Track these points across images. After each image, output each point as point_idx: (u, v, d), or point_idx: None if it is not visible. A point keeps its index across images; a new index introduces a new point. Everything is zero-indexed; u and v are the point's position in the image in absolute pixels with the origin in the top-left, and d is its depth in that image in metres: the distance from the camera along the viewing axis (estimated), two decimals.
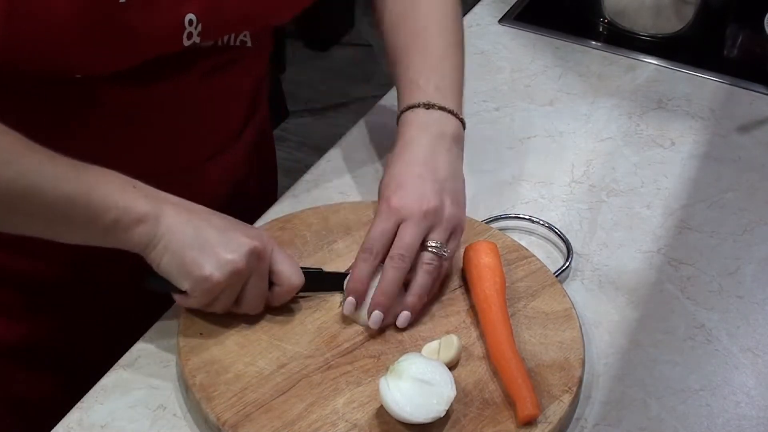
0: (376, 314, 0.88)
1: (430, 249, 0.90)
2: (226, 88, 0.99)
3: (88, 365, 0.92)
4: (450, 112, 0.99)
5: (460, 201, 0.96)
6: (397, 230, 0.90)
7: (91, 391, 0.87)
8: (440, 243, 0.91)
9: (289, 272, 0.88)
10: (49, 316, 1.03)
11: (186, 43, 0.89)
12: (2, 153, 0.78)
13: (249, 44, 0.97)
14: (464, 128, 1.00)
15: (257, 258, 0.85)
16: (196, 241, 0.83)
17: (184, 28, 0.88)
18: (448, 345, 0.87)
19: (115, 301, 1.04)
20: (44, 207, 0.80)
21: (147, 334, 0.92)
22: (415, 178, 0.93)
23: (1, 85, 0.84)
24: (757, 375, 0.92)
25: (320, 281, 0.93)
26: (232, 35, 0.95)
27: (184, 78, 0.93)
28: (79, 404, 0.86)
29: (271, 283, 0.88)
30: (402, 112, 0.99)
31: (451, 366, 0.87)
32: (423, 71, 1.00)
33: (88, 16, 0.81)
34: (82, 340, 1.05)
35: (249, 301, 0.87)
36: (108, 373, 0.88)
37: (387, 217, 0.91)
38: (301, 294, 0.91)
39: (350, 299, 0.89)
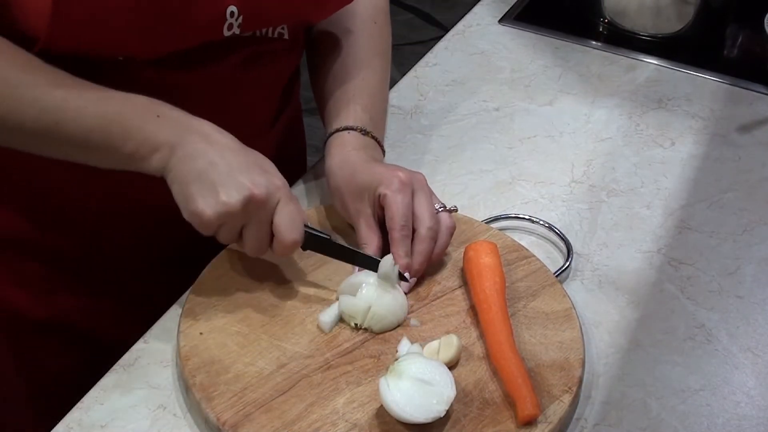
0: (413, 281, 0.94)
1: (442, 210, 0.95)
2: (261, 78, 1.01)
3: (109, 342, 0.94)
4: (379, 143, 1.03)
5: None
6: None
7: (91, 391, 0.87)
8: (441, 204, 0.96)
9: (286, 227, 0.86)
10: (70, 292, 1.05)
11: (226, 33, 0.92)
12: (28, 90, 0.83)
13: (286, 36, 1.00)
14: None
15: (255, 205, 0.84)
16: (201, 177, 0.83)
17: (226, 19, 0.91)
18: (448, 345, 0.87)
19: (137, 279, 1.06)
20: (68, 139, 0.85)
21: (147, 334, 0.92)
22: (382, 163, 0.99)
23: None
24: (757, 375, 0.92)
25: (327, 247, 0.93)
26: (270, 28, 0.98)
27: (221, 66, 0.95)
28: (79, 404, 0.86)
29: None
30: (337, 130, 1.01)
31: (451, 366, 0.87)
32: (360, 101, 1.04)
33: (134, 1, 0.84)
34: (103, 316, 1.07)
35: (248, 243, 0.87)
36: (108, 373, 0.88)
37: (404, 190, 0.93)
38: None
39: (411, 279, 0.93)
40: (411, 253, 0.93)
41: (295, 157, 1.23)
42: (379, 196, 0.93)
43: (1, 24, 0.84)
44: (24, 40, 0.84)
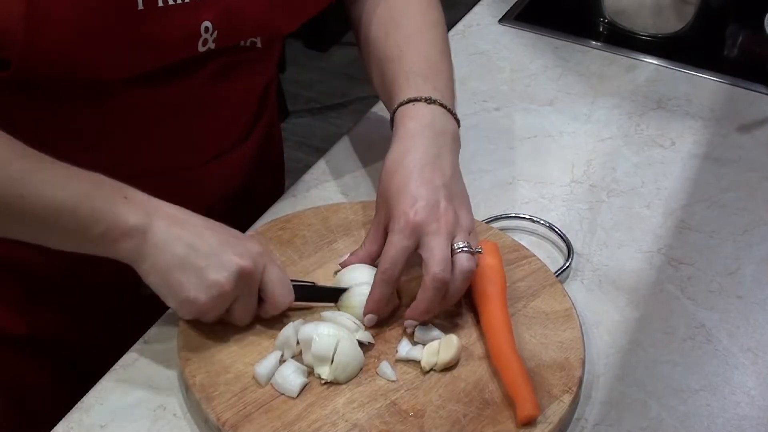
0: (410, 323, 0.88)
1: (464, 250, 0.88)
2: (234, 89, 1.00)
3: (89, 358, 0.92)
4: (449, 110, 0.97)
5: (466, 202, 0.94)
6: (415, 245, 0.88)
7: (91, 391, 0.87)
8: (467, 242, 0.88)
9: (279, 292, 0.87)
10: (50, 307, 1.04)
11: (201, 49, 0.90)
12: None
13: (259, 45, 0.98)
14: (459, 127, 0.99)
15: (245, 279, 0.84)
16: (183, 262, 0.81)
17: (200, 35, 0.89)
18: (448, 345, 0.87)
19: (117, 295, 1.03)
20: (32, 215, 0.81)
21: (147, 334, 0.92)
22: (425, 184, 0.90)
23: (13, 83, 0.84)
24: (757, 375, 0.92)
25: (313, 295, 0.92)
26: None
27: (194, 78, 0.94)
28: (79, 404, 0.86)
29: (262, 297, 0.88)
30: (401, 104, 0.96)
31: (451, 366, 0.87)
32: (421, 70, 0.98)
33: (106, 22, 0.82)
34: (83, 332, 1.05)
35: (237, 315, 0.87)
36: (108, 373, 0.88)
37: (407, 235, 0.87)
38: (296, 305, 0.90)
39: (371, 316, 0.89)
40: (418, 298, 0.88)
41: (272, 169, 1.22)
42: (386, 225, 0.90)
43: None
44: None
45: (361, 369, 0.86)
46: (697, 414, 0.88)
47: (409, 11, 1.04)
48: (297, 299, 0.90)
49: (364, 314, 0.89)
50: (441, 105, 0.96)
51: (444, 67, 1.01)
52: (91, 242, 0.82)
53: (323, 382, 0.85)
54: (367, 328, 0.89)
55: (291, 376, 0.84)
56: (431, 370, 0.87)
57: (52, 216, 0.81)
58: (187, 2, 0.87)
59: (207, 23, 0.89)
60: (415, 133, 0.93)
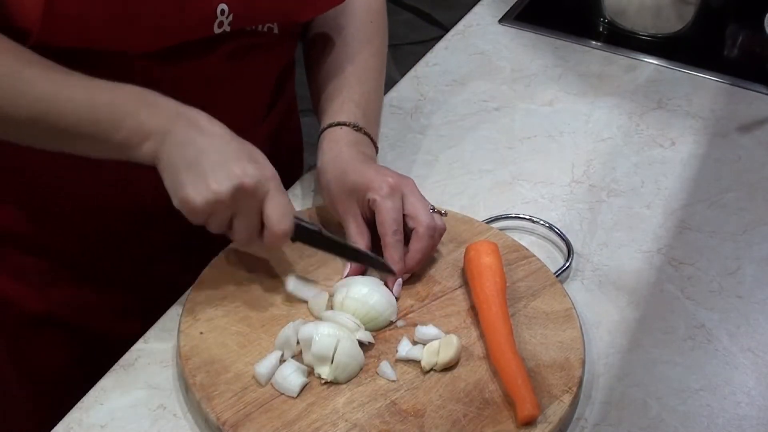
0: (400, 282, 0.94)
1: (435, 210, 0.96)
2: (250, 71, 1.02)
3: (107, 337, 0.94)
4: (371, 139, 1.03)
5: None
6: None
7: (91, 391, 0.87)
8: (431, 205, 0.96)
9: (275, 217, 0.86)
10: (67, 286, 1.06)
11: (216, 30, 0.93)
12: (19, 81, 0.84)
13: (276, 31, 1.00)
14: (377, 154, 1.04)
15: (245, 194, 0.84)
16: (192, 164, 0.83)
17: (216, 17, 0.92)
18: (448, 345, 0.87)
19: (134, 273, 1.06)
20: (59, 128, 0.85)
21: (147, 334, 0.92)
22: (378, 166, 0.98)
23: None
24: (757, 375, 0.92)
25: (316, 239, 0.92)
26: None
27: (211, 58, 0.96)
28: (79, 404, 0.86)
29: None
30: (330, 126, 1.02)
31: (451, 366, 0.87)
32: (354, 98, 1.04)
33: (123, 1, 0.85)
34: (101, 311, 1.07)
35: (237, 233, 0.87)
36: (108, 373, 0.88)
37: (394, 195, 0.94)
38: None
39: (399, 281, 0.93)
40: (406, 253, 0.93)
41: (290, 152, 1.23)
42: (369, 200, 0.94)
43: None
44: (18, 33, 0.85)
45: (361, 369, 0.86)
46: (697, 414, 0.88)
47: (359, 36, 1.09)
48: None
49: (392, 282, 0.93)
50: (365, 133, 1.02)
51: (376, 97, 1.09)
52: (114, 148, 0.85)
53: (323, 381, 0.85)
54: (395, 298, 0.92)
55: (291, 376, 0.84)
56: (431, 370, 0.87)
57: (75, 129, 0.85)
58: None
59: (223, 6, 0.91)
60: (342, 150, 0.99)
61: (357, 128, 1.02)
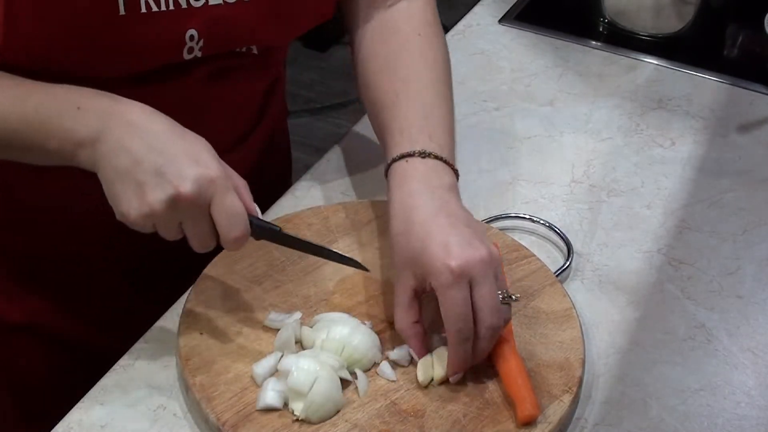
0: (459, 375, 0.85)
1: (504, 301, 0.84)
2: (230, 92, 0.99)
3: (89, 349, 0.93)
4: (446, 162, 0.91)
5: (486, 238, 0.87)
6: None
7: (91, 391, 0.87)
8: (504, 290, 0.84)
9: (224, 224, 0.79)
10: (45, 294, 1.04)
11: (187, 56, 0.90)
12: None
13: (255, 51, 0.97)
14: (458, 179, 0.92)
15: (184, 204, 0.78)
16: (125, 175, 0.78)
17: (185, 43, 0.89)
18: (441, 359, 0.85)
19: (110, 278, 1.04)
20: None
21: (147, 334, 0.92)
22: (448, 227, 0.84)
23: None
24: (757, 375, 0.92)
25: (280, 238, 0.86)
26: None
27: (186, 81, 0.93)
28: (79, 404, 0.86)
29: None
30: (394, 160, 0.91)
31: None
32: (416, 119, 0.93)
33: (88, 24, 0.82)
34: (79, 318, 1.06)
35: (191, 240, 0.81)
36: (108, 373, 0.88)
37: (459, 285, 0.81)
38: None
39: (457, 375, 0.84)
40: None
41: (278, 164, 1.21)
42: (429, 286, 0.83)
43: None
44: None
45: (337, 411, 0.82)
46: (697, 414, 0.88)
47: (408, 49, 1.00)
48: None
49: (451, 374, 0.84)
50: (436, 157, 0.90)
51: (441, 113, 0.95)
52: (51, 156, 0.81)
53: (295, 419, 0.81)
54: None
55: (269, 393, 0.82)
56: (429, 384, 0.86)
57: (9, 135, 0.81)
58: (171, 9, 0.86)
59: (192, 31, 0.88)
60: (412, 191, 0.88)
61: (425, 155, 0.89)
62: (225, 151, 1.00)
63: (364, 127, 1.20)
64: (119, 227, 0.82)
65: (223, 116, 1.00)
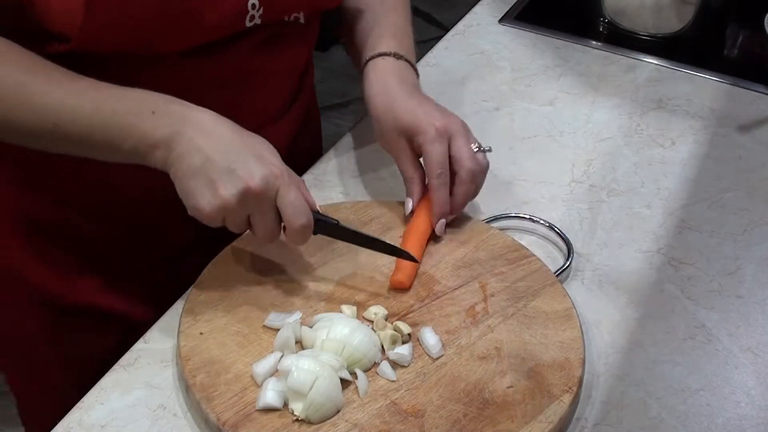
0: (443, 222, 1.00)
1: (480, 149, 1.01)
2: (275, 62, 1.04)
3: (139, 330, 0.94)
4: (411, 65, 1.08)
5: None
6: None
7: (92, 391, 0.87)
8: (477, 143, 1.01)
9: (291, 214, 0.87)
10: (97, 276, 1.08)
11: (248, 24, 0.95)
12: (27, 93, 0.85)
13: (301, 20, 1.02)
14: (418, 78, 1.09)
15: (253, 197, 0.85)
16: (198, 173, 0.85)
17: (248, 11, 0.94)
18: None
19: (165, 264, 1.08)
20: (70, 139, 0.87)
21: (147, 334, 0.92)
22: (426, 104, 1.02)
23: (72, 57, 0.88)
24: (757, 375, 0.92)
25: (336, 232, 0.93)
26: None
27: (238, 51, 0.98)
28: (79, 404, 0.86)
29: None
30: (372, 57, 1.07)
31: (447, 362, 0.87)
32: (388, 30, 1.10)
33: (161, 3, 0.87)
34: (132, 300, 1.09)
35: (257, 232, 0.88)
36: (108, 373, 0.89)
37: (440, 139, 0.99)
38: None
39: (443, 220, 1.00)
40: (450, 195, 0.99)
41: (311, 146, 1.25)
42: (416, 144, 0.99)
43: (20, 24, 0.86)
44: (52, 39, 0.87)
45: (337, 411, 0.82)
46: (697, 414, 0.88)
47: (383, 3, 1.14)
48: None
49: (436, 221, 0.99)
50: (406, 61, 1.07)
51: (409, 32, 1.13)
52: (123, 155, 0.87)
53: (294, 419, 0.82)
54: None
55: (269, 393, 0.82)
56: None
57: (85, 137, 0.87)
58: None
59: (254, 0, 0.94)
60: (389, 79, 1.05)
61: (398, 57, 1.06)
62: (272, 119, 1.07)
63: (364, 127, 1.20)
64: (172, 212, 0.90)
65: (270, 86, 1.05)
